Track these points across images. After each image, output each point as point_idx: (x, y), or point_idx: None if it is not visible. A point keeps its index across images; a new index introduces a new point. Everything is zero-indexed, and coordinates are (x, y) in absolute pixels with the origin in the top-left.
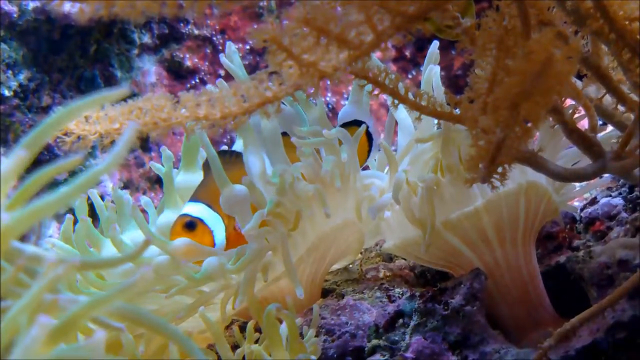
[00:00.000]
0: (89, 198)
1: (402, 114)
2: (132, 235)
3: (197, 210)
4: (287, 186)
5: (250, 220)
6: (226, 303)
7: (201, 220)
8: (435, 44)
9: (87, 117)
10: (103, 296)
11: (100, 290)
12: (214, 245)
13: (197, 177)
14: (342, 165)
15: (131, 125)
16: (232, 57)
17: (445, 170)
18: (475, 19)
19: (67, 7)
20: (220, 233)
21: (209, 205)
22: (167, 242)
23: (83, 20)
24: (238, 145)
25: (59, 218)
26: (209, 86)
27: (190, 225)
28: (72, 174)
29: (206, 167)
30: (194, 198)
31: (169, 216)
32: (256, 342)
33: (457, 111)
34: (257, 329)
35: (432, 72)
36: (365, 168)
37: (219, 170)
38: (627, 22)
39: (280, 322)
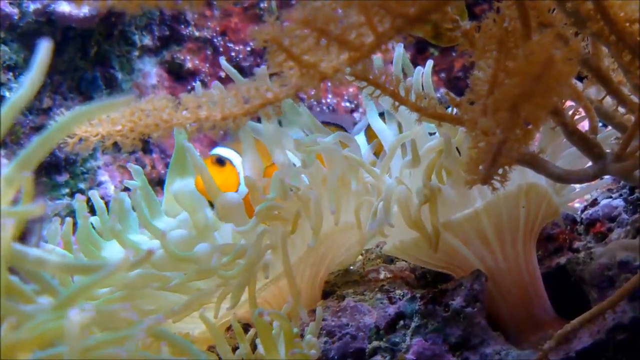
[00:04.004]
0: (89, 199)
1: (378, 124)
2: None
3: (227, 152)
4: (288, 191)
5: (248, 224)
6: (222, 300)
7: (230, 161)
8: (401, 46)
9: None
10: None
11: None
12: (237, 186)
13: (192, 182)
14: (344, 168)
15: (43, 43)
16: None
17: (445, 173)
18: (472, 21)
19: (67, 8)
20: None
21: (238, 153)
22: (164, 235)
23: (80, 14)
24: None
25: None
26: (198, 88)
27: (220, 161)
28: (73, 176)
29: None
30: (225, 145)
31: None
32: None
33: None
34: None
35: (420, 74)
36: None
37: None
38: (627, 24)
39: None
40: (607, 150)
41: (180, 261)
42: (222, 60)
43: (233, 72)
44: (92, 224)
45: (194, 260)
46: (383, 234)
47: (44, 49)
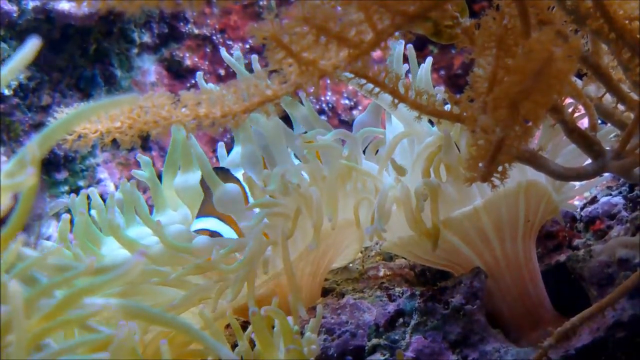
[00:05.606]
0: (88, 196)
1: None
2: (136, 232)
3: (211, 224)
4: (290, 187)
5: (252, 219)
6: (220, 295)
7: (219, 234)
8: (401, 43)
9: None
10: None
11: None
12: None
13: (195, 176)
14: (344, 165)
15: (31, 40)
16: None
17: (445, 169)
18: (472, 19)
19: (66, 6)
20: None
21: (220, 219)
22: (160, 225)
23: (80, 12)
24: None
25: (58, 217)
26: (201, 80)
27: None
28: (73, 173)
29: (205, 183)
30: (203, 214)
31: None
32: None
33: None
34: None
35: (422, 72)
36: None
37: (209, 171)
38: (626, 22)
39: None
40: (607, 148)
41: (177, 251)
42: (224, 53)
43: (234, 64)
44: (92, 217)
45: (192, 251)
46: (381, 237)
47: (32, 43)
